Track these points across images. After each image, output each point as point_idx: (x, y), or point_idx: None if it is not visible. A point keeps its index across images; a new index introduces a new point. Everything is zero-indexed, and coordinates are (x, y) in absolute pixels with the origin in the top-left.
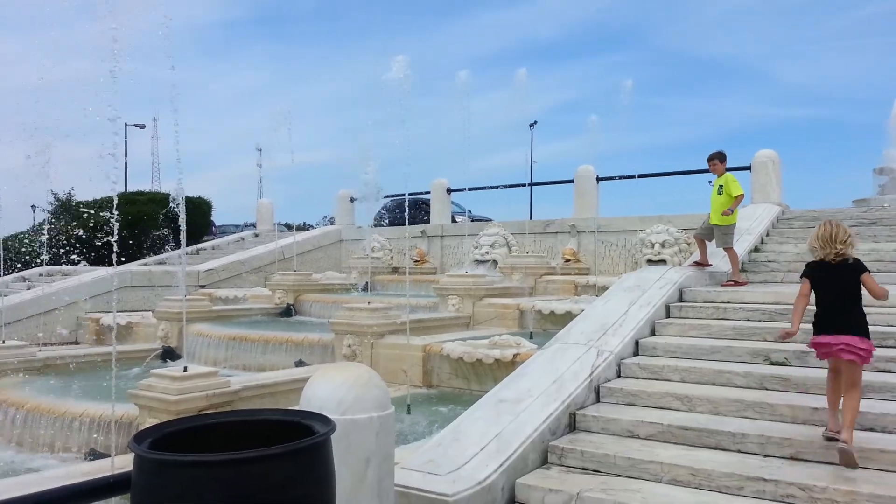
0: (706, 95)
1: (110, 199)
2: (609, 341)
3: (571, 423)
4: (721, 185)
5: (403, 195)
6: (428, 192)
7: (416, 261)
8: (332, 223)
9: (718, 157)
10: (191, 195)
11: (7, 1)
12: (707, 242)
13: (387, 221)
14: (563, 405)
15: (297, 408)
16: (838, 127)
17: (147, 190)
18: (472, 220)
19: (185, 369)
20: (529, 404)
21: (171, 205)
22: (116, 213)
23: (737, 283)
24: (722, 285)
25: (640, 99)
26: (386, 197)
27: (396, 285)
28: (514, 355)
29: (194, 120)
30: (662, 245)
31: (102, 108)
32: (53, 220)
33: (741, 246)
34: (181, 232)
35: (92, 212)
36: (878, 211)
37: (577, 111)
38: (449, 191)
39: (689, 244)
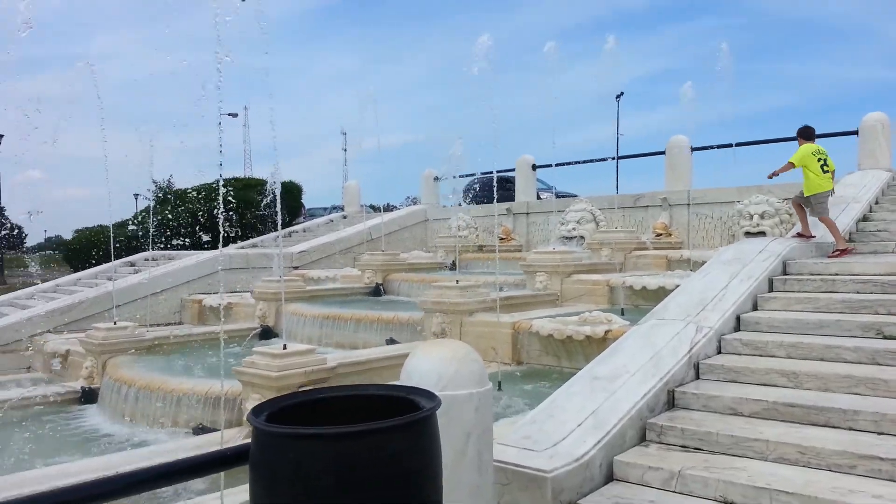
0: (803, 59)
1: (207, 186)
2: (708, 316)
3: (670, 401)
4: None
5: (487, 173)
6: (511, 170)
7: (502, 238)
8: (414, 203)
9: (799, 135)
10: (282, 180)
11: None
12: (806, 210)
13: (470, 199)
14: (662, 382)
15: (398, 383)
16: None
17: (241, 176)
18: (557, 197)
19: (285, 347)
20: (626, 381)
21: (268, 189)
22: (229, 198)
23: (843, 252)
24: (829, 256)
25: (734, 65)
26: (469, 175)
27: (483, 263)
28: (606, 332)
29: (283, 107)
30: (762, 216)
31: (200, 98)
32: (158, 207)
33: (848, 214)
34: (277, 215)
35: (199, 196)
36: None
37: (667, 81)
38: (534, 167)
39: (790, 215)
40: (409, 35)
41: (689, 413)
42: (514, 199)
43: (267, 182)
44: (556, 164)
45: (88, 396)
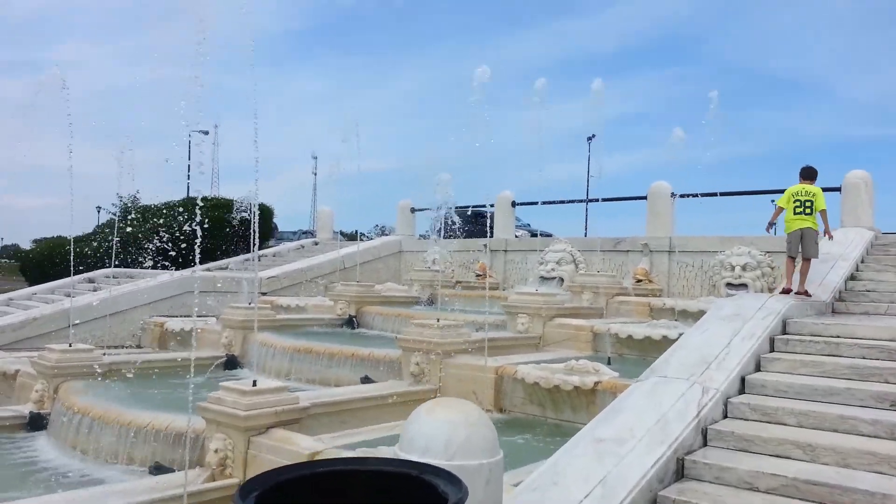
0: (771, 110)
1: (177, 203)
2: (713, 377)
3: (679, 470)
4: None
5: (461, 207)
6: (485, 206)
7: (479, 275)
8: (384, 232)
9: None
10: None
11: (78, 9)
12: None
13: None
14: (671, 449)
15: (403, 454)
16: None
17: (209, 196)
18: (532, 235)
19: (255, 383)
20: (634, 446)
21: (235, 212)
22: (197, 216)
23: (786, 293)
24: (780, 292)
25: (703, 114)
26: (438, 209)
27: (460, 300)
28: (595, 383)
29: (258, 126)
30: (744, 268)
31: (170, 114)
32: (124, 223)
33: (836, 273)
34: (254, 237)
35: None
36: None
37: (637, 124)
38: (514, 204)
39: (772, 268)
40: (386, 63)
41: (701, 485)
42: (486, 235)
43: (234, 202)
44: (539, 203)
45: (36, 423)
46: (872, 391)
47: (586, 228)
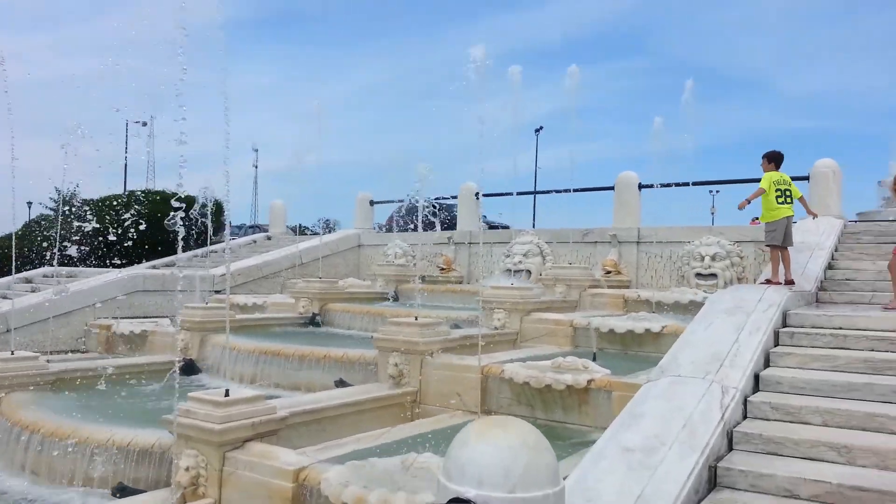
0: (713, 102)
1: (117, 197)
2: (729, 374)
3: (712, 478)
4: None
5: (401, 200)
6: (444, 197)
7: (443, 269)
8: (328, 226)
9: (764, 158)
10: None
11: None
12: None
13: (398, 227)
14: (703, 456)
15: (452, 484)
16: (839, 139)
17: (154, 189)
18: (491, 227)
19: (227, 392)
20: (665, 455)
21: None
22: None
23: (770, 283)
24: (759, 283)
25: (648, 106)
26: (398, 202)
27: (425, 295)
28: (588, 381)
29: (196, 119)
30: (713, 258)
31: (106, 105)
32: (61, 218)
33: (816, 262)
34: (208, 232)
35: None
36: None
37: (582, 117)
38: (478, 195)
39: (741, 258)
40: (332, 57)
41: (738, 495)
42: (445, 227)
43: (195, 198)
44: (514, 194)
45: None
46: (892, 385)
47: (534, 220)
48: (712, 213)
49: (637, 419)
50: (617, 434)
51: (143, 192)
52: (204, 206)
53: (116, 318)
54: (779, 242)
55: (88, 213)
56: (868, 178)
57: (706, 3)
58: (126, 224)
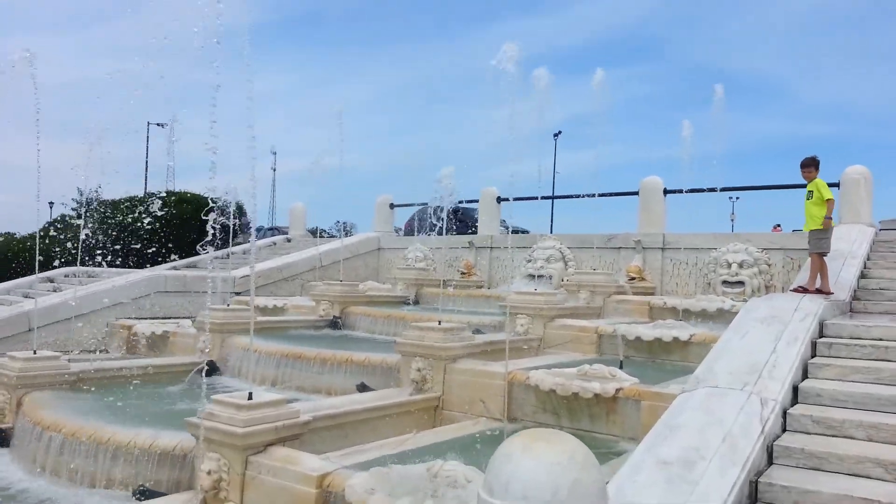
0: (730, 110)
1: (139, 198)
2: (768, 386)
3: (752, 494)
4: (811, 191)
5: (424, 204)
6: (464, 201)
7: (463, 273)
8: (345, 229)
9: (814, 164)
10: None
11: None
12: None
13: (419, 231)
14: (744, 471)
15: (495, 500)
16: (862, 146)
17: (175, 190)
18: (513, 232)
19: (251, 396)
20: (705, 470)
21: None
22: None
23: (805, 291)
24: (793, 290)
25: (662, 112)
26: (422, 204)
27: (446, 299)
28: (617, 390)
29: (216, 122)
30: (740, 265)
31: (127, 106)
32: (85, 218)
33: (849, 270)
34: (230, 234)
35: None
36: None
37: (599, 122)
38: (499, 200)
39: (769, 265)
40: (351, 60)
41: None
42: (465, 232)
43: (203, 198)
44: (525, 198)
45: None
46: None
47: (552, 225)
48: (732, 220)
49: (674, 431)
50: (654, 446)
51: (168, 193)
52: (224, 208)
53: (138, 318)
54: (828, 250)
55: (114, 213)
56: (890, 185)
57: (724, 11)
58: (150, 224)
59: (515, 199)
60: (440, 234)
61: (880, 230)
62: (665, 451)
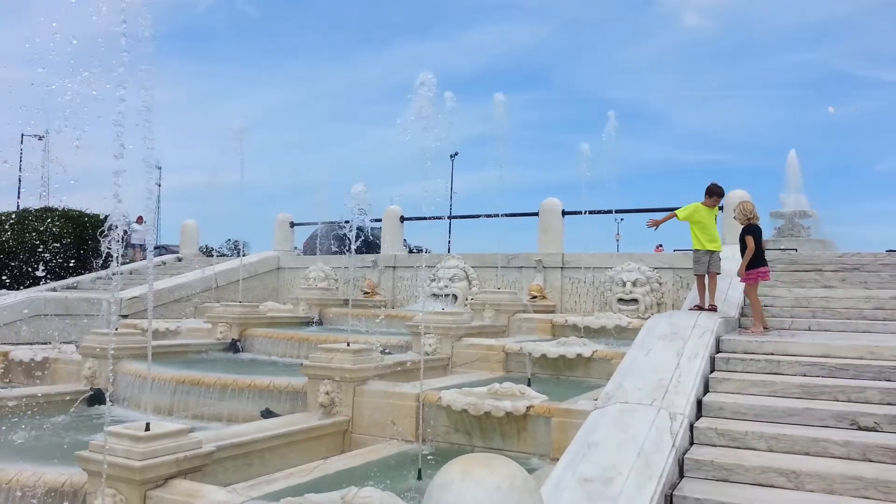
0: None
1: (10, 214)
2: (675, 401)
3: None
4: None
5: (331, 222)
6: (373, 220)
7: (367, 292)
8: (236, 248)
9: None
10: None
11: None
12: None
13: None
14: (659, 485)
15: None
16: (733, 171)
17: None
18: (410, 252)
19: (148, 426)
20: (623, 486)
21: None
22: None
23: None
24: (693, 308)
25: (547, 136)
26: (320, 223)
27: (354, 319)
28: (528, 408)
29: (89, 135)
30: (634, 284)
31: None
32: None
33: (736, 289)
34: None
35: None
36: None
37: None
38: (402, 219)
39: (660, 283)
40: (242, 76)
41: None
42: (361, 251)
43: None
44: (429, 218)
45: None
46: (832, 411)
47: (449, 245)
48: (617, 240)
49: (591, 448)
50: (573, 463)
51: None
52: (112, 227)
53: (14, 344)
54: (702, 271)
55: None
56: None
57: (607, 42)
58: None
59: (417, 218)
60: (349, 252)
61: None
62: (585, 469)
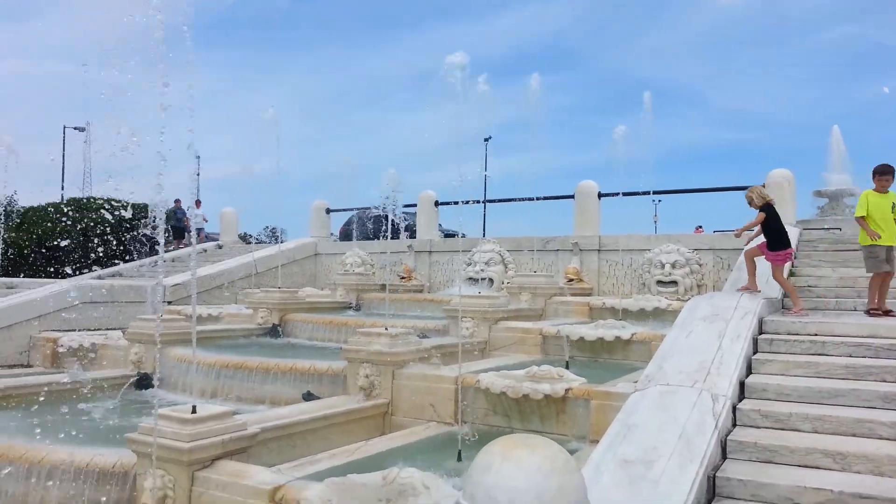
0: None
1: (57, 204)
2: (717, 382)
3: (711, 489)
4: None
5: (365, 208)
6: (407, 206)
7: (403, 277)
8: (274, 234)
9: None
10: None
11: None
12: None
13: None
14: (702, 467)
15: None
16: (771, 150)
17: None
18: (447, 236)
19: (194, 409)
20: (665, 467)
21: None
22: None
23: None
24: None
25: (580, 118)
26: (356, 209)
27: (388, 304)
28: (566, 390)
29: (135, 125)
30: (673, 266)
31: (46, 110)
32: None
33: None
34: (160, 241)
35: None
36: None
37: (521, 129)
38: (437, 203)
39: (700, 265)
40: (276, 64)
41: None
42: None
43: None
44: (465, 202)
45: None
46: (879, 392)
47: (484, 229)
48: (655, 222)
49: (632, 430)
50: (613, 445)
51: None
52: (154, 215)
53: (63, 330)
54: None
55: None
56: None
57: (639, 22)
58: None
59: (455, 202)
60: (375, 237)
61: (811, 230)
62: (625, 450)
